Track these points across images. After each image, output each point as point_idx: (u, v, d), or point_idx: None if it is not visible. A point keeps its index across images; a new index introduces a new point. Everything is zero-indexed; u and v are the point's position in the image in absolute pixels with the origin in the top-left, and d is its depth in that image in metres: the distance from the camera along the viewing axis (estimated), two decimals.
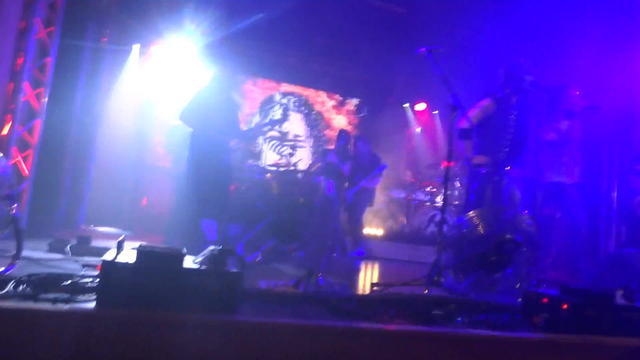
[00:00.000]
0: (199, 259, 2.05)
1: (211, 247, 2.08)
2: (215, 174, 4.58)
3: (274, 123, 5.64)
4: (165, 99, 8.10)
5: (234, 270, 1.97)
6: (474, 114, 3.91)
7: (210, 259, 2.02)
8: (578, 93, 4.35)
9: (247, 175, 6.53)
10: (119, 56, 7.00)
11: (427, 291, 2.85)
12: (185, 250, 2.02)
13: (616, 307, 2.42)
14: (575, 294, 2.46)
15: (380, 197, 7.41)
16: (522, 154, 4.02)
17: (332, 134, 9.08)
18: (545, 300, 2.48)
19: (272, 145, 8.77)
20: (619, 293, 2.52)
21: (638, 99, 5.08)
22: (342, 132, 6.61)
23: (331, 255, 5.82)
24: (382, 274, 4.47)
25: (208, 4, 7.41)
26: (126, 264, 1.85)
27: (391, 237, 6.93)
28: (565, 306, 2.36)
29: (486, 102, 3.97)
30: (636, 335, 2.38)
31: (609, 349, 2.18)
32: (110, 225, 6.26)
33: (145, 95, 7.27)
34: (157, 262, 1.90)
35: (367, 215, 6.85)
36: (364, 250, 6.11)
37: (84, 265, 2.63)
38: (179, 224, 4.57)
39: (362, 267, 5.05)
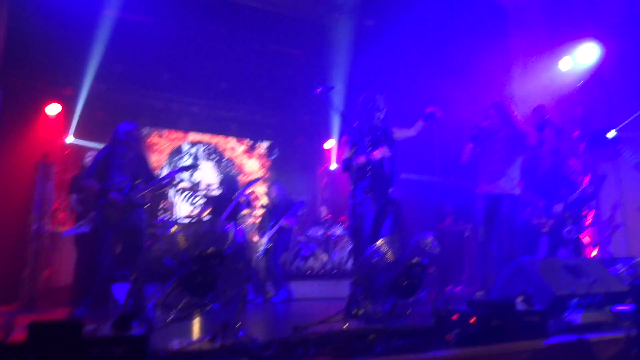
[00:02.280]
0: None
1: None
2: (126, 232, 4.39)
3: (184, 169, 5.49)
4: (65, 160, 7.68)
5: (140, 333, 1.87)
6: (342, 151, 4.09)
7: (114, 324, 1.90)
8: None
9: (159, 231, 6.30)
10: (10, 119, 6.58)
11: (346, 325, 2.87)
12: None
13: (518, 313, 2.60)
14: (481, 307, 2.60)
15: (299, 237, 7.44)
16: (383, 183, 3.99)
17: (245, 179, 9.03)
18: (455, 316, 2.59)
19: (184, 196, 8.56)
20: (519, 300, 2.70)
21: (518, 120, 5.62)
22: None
23: (253, 302, 5.72)
24: (304, 315, 4.44)
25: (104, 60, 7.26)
26: (14, 345, 1.69)
27: (313, 275, 6.94)
28: (473, 319, 2.49)
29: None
30: (538, 337, 2.56)
31: (514, 354, 2.31)
32: (6, 304, 5.69)
33: (42, 158, 6.83)
34: (52, 336, 1.75)
35: (288, 256, 6.84)
36: (286, 293, 6.06)
37: None
38: (87, 292, 4.27)
39: (284, 310, 5.00)
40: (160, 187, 4.60)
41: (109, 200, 4.21)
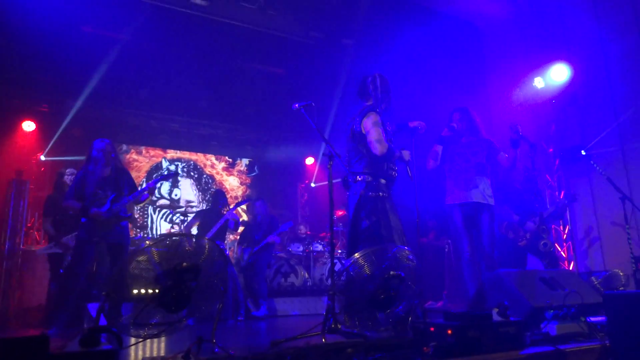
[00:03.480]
0: None
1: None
2: (110, 248, 4.35)
3: (164, 177, 5.36)
4: (39, 176, 7.54)
5: (108, 348, 1.83)
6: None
7: (81, 340, 1.85)
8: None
9: (134, 248, 6.19)
10: None
11: (324, 340, 2.84)
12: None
13: (494, 324, 2.60)
14: (457, 318, 2.60)
15: (280, 253, 7.39)
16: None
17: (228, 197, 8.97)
18: (432, 329, 2.59)
19: (163, 214, 8.46)
20: (495, 311, 2.71)
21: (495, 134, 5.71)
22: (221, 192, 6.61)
23: (233, 318, 5.64)
24: (283, 330, 4.39)
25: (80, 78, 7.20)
26: None
27: (294, 292, 6.88)
28: (449, 331, 2.48)
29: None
30: (515, 348, 2.57)
31: None
32: None
33: (16, 175, 6.70)
34: (16, 353, 1.69)
35: (268, 273, 6.78)
36: (266, 310, 6.00)
37: None
38: (62, 311, 4.18)
39: (263, 326, 4.94)
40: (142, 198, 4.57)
41: (92, 216, 4.19)
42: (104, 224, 4.25)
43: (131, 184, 4.54)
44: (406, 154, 3.73)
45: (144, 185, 4.60)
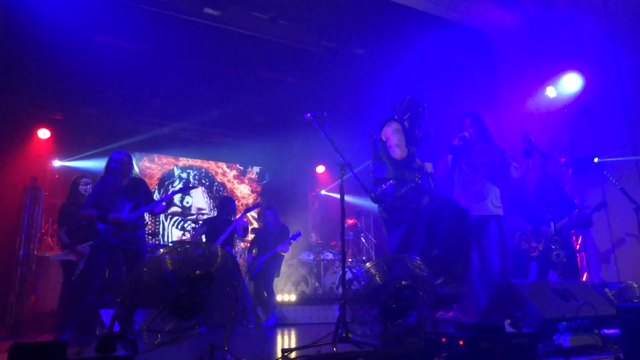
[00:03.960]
0: None
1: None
2: (127, 255, 4.41)
3: (182, 190, 5.44)
4: (54, 183, 7.64)
5: (125, 354, 1.85)
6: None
7: (97, 347, 1.88)
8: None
9: (147, 255, 6.24)
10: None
11: (335, 349, 2.85)
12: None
13: (506, 335, 2.59)
14: (469, 329, 2.59)
15: (290, 262, 7.40)
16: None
17: (236, 203, 9.01)
18: (443, 339, 2.58)
19: (175, 221, 8.51)
20: (507, 322, 2.70)
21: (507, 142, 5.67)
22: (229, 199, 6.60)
23: (246, 326, 5.65)
24: (294, 338, 4.39)
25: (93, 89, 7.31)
26: None
27: (304, 300, 6.88)
28: (461, 342, 2.47)
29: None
30: (526, 359, 2.55)
31: None
32: None
33: (31, 182, 6.80)
34: (34, 358, 1.73)
35: (279, 281, 6.79)
36: (276, 318, 6.00)
37: None
38: (74, 315, 4.23)
39: (274, 334, 4.95)
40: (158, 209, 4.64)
41: (110, 221, 4.28)
42: (121, 231, 4.31)
43: (148, 194, 4.63)
44: (429, 166, 3.76)
45: (159, 196, 4.66)
